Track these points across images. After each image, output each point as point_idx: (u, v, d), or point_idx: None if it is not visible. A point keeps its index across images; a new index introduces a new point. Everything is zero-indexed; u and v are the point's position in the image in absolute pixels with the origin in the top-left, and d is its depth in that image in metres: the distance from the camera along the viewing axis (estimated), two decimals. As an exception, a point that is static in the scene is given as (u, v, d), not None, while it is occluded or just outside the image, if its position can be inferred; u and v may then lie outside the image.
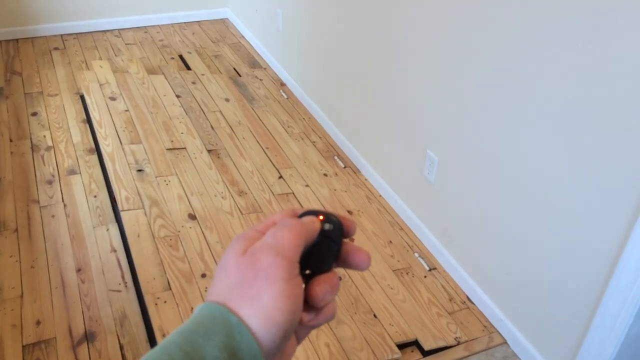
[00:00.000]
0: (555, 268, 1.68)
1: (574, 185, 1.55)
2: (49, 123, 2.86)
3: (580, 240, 1.57)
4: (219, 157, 2.69)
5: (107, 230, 2.23)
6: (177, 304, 1.93)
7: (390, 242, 2.30)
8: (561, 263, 1.65)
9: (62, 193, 2.41)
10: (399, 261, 2.21)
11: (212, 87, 3.28)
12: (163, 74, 3.37)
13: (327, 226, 0.43)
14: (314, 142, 2.88)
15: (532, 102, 1.63)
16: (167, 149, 2.69)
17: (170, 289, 1.98)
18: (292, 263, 0.38)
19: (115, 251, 2.14)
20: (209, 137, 2.82)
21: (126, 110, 2.93)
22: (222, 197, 2.43)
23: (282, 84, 3.39)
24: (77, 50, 3.62)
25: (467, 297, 2.08)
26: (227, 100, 3.16)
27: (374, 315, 1.97)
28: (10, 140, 2.71)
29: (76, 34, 3.82)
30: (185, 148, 2.71)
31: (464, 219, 2.05)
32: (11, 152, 2.63)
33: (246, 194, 2.47)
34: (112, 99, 3.01)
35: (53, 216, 2.29)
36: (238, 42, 3.89)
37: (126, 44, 3.74)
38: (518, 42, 1.63)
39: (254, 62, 3.62)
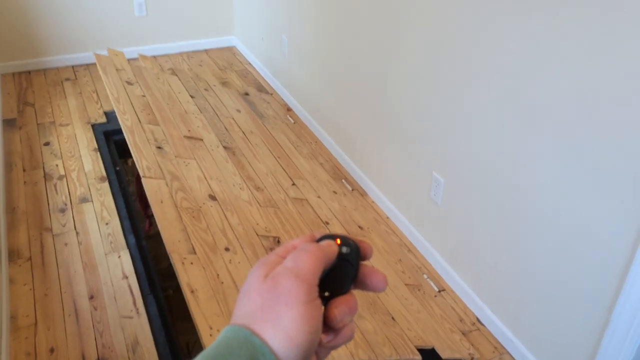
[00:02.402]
0: (564, 287, 1.68)
1: (580, 205, 1.57)
2: (61, 152, 2.91)
3: (588, 260, 1.58)
4: (234, 154, 2.71)
5: (119, 257, 2.26)
6: (203, 267, 1.87)
7: (400, 260, 2.32)
8: (569, 282, 1.66)
9: (74, 221, 2.45)
10: (409, 277, 2.23)
11: (224, 97, 3.34)
12: (177, 75, 3.41)
13: (344, 249, 0.45)
14: (322, 163, 2.92)
15: (536, 124, 1.65)
16: (185, 137, 2.68)
17: (195, 253, 1.93)
18: (311, 286, 0.40)
19: (126, 278, 2.17)
20: (224, 136, 2.85)
21: (143, 96, 2.89)
22: (240, 188, 2.44)
23: (289, 109, 3.44)
24: (88, 80, 3.70)
25: (477, 318, 2.08)
26: (238, 111, 3.22)
27: (392, 318, 1.98)
28: (24, 170, 2.77)
29: (87, 64, 3.91)
30: (202, 139, 2.72)
31: (471, 240, 2.06)
32: (24, 182, 2.69)
33: (262, 190, 2.48)
34: (129, 83, 2.99)
35: (66, 244, 2.32)
36: (245, 69, 3.96)
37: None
38: (522, 67, 1.66)
39: (261, 88, 3.69)
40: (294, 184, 2.64)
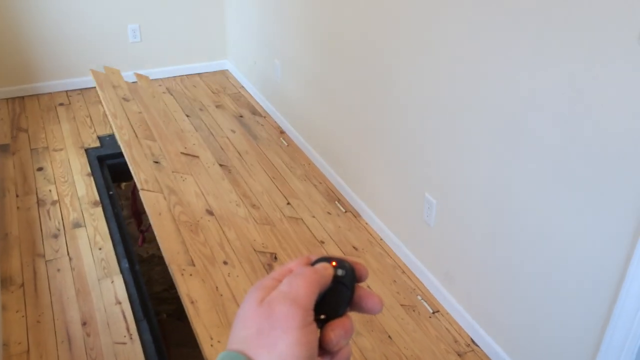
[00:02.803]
0: (557, 308, 1.69)
1: (572, 223, 1.58)
2: (54, 177, 2.91)
3: (580, 281, 1.59)
4: (230, 172, 2.73)
5: (112, 282, 2.25)
6: (202, 280, 1.85)
7: (395, 281, 2.32)
8: (563, 303, 1.67)
9: (67, 246, 2.44)
10: (404, 298, 2.23)
11: (219, 117, 3.37)
12: (172, 95, 3.43)
13: (339, 272, 0.45)
14: (315, 185, 2.93)
15: (527, 145, 1.68)
16: (182, 153, 2.68)
17: (194, 265, 1.91)
18: (306, 311, 0.41)
19: (120, 303, 2.16)
20: (219, 154, 2.87)
21: (139, 112, 2.90)
22: (237, 205, 2.44)
23: (282, 132, 3.47)
24: (82, 105, 3.72)
25: (472, 339, 2.08)
26: (233, 131, 3.25)
27: (389, 337, 1.98)
28: (17, 196, 2.77)
29: (80, 89, 3.93)
30: (198, 157, 2.73)
31: (464, 262, 2.07)
32: (17, 207, 2.68)
33: (258, 208, 2.49)
34: (126, 100, 3.00)
35: (58, 270, 2.31)
36: (238, 92, 3.99)
37: (129, 97, 3.84)
38: (512, 89, 1.69)
39: (254, 111, 3.71)
40: (288, 203, 2.65)
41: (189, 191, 2.36)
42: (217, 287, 1.82)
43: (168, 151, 2.61)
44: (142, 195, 2.15)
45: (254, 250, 2.12)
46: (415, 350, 1.96)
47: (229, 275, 1.90)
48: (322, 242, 2.44)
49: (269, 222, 2.38)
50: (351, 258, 0.47)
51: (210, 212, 2.25)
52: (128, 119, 2.76)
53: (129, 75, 4.04)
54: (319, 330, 0.42)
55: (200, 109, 3.40)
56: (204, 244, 2.04)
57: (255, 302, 0.42)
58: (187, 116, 3.19)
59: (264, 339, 0.40)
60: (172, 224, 2.07)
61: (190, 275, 1.85)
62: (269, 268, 2.03)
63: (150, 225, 2.93)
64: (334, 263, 0.45)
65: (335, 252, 2.37)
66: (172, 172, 2.42)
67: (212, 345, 1.51)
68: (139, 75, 3.51)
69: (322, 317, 0.43)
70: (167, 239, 1.98)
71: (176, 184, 2.35)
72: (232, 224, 2.25)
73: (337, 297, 0.44)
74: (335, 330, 0.42)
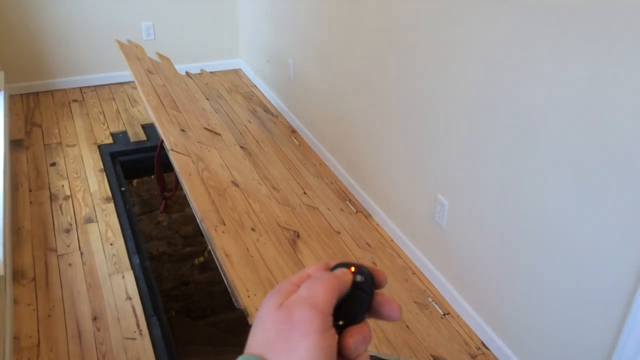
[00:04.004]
0: (571, 311, 1.67)
1: (586, 225, 1.56)
2: (67, 173, 2.93)
3: (594, 284, 1.57)
4: (250, 155, 2.71)
5: (123, 277, 2.26)
6: (234, 239, 1.82)
7: (406, 281, 2.31)
8: (576, 306, 1.65)
9: (79, 241, 2.45)
10: (417, 297, 2.22)
11: (236, 107, 3.37)
12: (192, 79, 3.44)
13: (358, 278, 0.44)
14: (327, 184, 2.93)
15: (541, 146, 1.66)
16: (205, 128, 2.66)
17: (225, 225, 1.88)
18: (325, 316, 0.40)
19: (130, 299, 2.16)
20: (239, 138, 2.85)
21: (163, 85, 2.86)
22: (259, 183, 2.42)
23: (294, 131, 3.47)
24: (95, 102, 3.74)
25: (482, 342, 2.07)
26: (249, 122, 3.25)
27: (407, 326, 1.96)
28: (30, 190, 2.78)
29: (94, 86, 3.95)
30: (220, 135, 2.71)
31: (476, 263, 2.05)
32: (30, 202, 2.70)
33: (279, 190, 2.47)
34: (150, 72, 2.96)
35: (70, 264, 2.32)
36: (250, 91, 4.00)
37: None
38: (527, 91, 1.68)
39: (266, 109, 3.72)
40: (305, 193, 2.64)
41: (214, 162, 2.32)
42: (247, 249, 1.78)
43: (192, 124, 2.58)
44: (172, 155, 2.09)
45: (278, 225, 2.09)
46: (432, 344, 1.94)
47: (257, 241, 1.86)
48: (339, 233, 2.42)
49: (290, 205, 2.37)
50: (369, 265, 0.47)
51: (235, 184, 2.20)
52: (154, 88, 2.72)
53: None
54: (337, 336, 0.41)
55: (218, 97, 3.41)
56: (232, 209, 2.00)
57: (274, 306, 0.41)
58: (207, 99, 3.19)
59: (283, 343, 0.39)
60: (201, 185, 2.02)
61: (223, 232, 1.80)
62: (293, 244, 2.01)
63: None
64: (353, 269, 0.45)
65: (350, 245, 2.35)
66: (198, 142, 2.39)
67: (249, 297, 1.47)
68: (160, 55, 3.50)
69: (341, 322, 0.42)
70: (198, 198, 1.92)
71: (202, 152, 2.32)
72: (256, 198, 2.21)
73: (355, 303, 0.44)
74: (354, 336, 0.42)
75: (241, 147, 2.70)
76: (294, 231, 2.12)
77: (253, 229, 1.95)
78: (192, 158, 2.16)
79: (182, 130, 2.39)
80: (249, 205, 2.11)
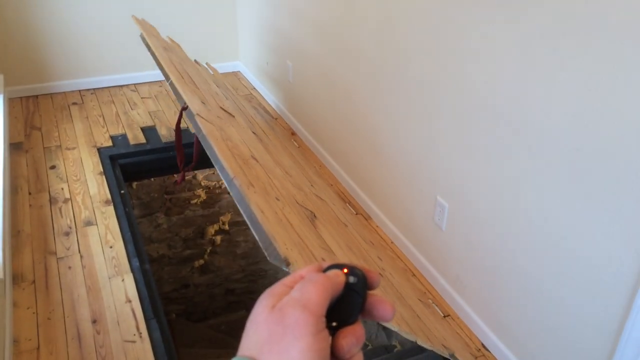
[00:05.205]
0: (570, 314, 1.67)
1: (586, 229, 1.56)
2: (66, 176, 2.93)
3: (594, 286, 1.57)
4: (261, 141, 2.71)
5: (123, 280, 2.26)
6: (264, 200, 1.78)
7: (407, 282, 2.31)
8: (576, 308, 1.65)
9: (78, 244, 2.45)
10: (418, 298, 2.22)
11: (242, 100, 3.37)
12: (200, 66, 3.44)
13: (351, 279, 0.45)
14: (327, 185, 2.93)
15: (542, 147, 1.66)
16: (220, 107, 2.65)
17: (254, 187, 1.84)
18: (318, 317, 0.40)
19: (130, 301, 2.16)
20: (250, 125, 2.86)
21: (180, 63, 2.84)
22: (273, 166, 2.41)
23: (293, 133, 3.47)
24: (95, 104, 3.74)
25: (483, 344, 2.06)
26: (254, 117, 3.25)
27: (417, 316, 1.95)
28: (29, 193, 2.78)
29: (94, 89, 3.96)
30: (234, 117, 2.70)
31: (476, 265, 2.05)
32: (30, 205, 2.70)
33: (291, 176, 2.47)
34: (166, 49, 2.91)
35: (70, 267, 2.32)
36: (250, 94, 4.00)
37: (142, 97, 3.86)
38: (527, 91, 1.68)
39: (266, 112, 3.72)
40: (312, 186, 2.64)
41: (234, 136, 2.30)
42: (276, 212, 1.76)
43: (209, 101, 2.57)
44: (199, 120, 2.05)
45: (297, 202, 2.08)
46: (439, 335, 1.93)
47: (283, 209, 1.85)
48: (346, 225, 2.42)
49: (303, 190, 2.36)
50: (363, 265, 0.47)
51: (255, 159, 2.19)
52: (172, 63, 2.71)
53: (141, 76, 4.07)
54: (330, 338, 0.41)
55: (225, 89, 3.42)
56: (257, 178, 1.97)
57: (267, 308, 0.41)
58: (218, 87, 3.19)
59: (276, 345, 0.39)
60: (228, 150, 1.99)
61: (254, 192, 1.77)
62: (312, 222, 1.99)
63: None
64: (345, 270, 0.45)
65: (357, 238, 2.35)
66: (217, 116, 2.37)
67: (287, 249, 1.45)
68: (172, 40, 3.49)
69: (334, 324, 0.42)
70: (227, 159, 1.88)
71: (223, 125, 2.30)
72: (275, 176, 2.20)
73: (348, 304, 0.44)
74: (347, 338, 0.42)
75: (253, 132, 2.70)
76: (311, 211, 2.10)
77: (277, 199, 1.92)
78: (215, 126, 2.14)
79: (202, 102, 2.37)
80: (269, 179, 2.09)
